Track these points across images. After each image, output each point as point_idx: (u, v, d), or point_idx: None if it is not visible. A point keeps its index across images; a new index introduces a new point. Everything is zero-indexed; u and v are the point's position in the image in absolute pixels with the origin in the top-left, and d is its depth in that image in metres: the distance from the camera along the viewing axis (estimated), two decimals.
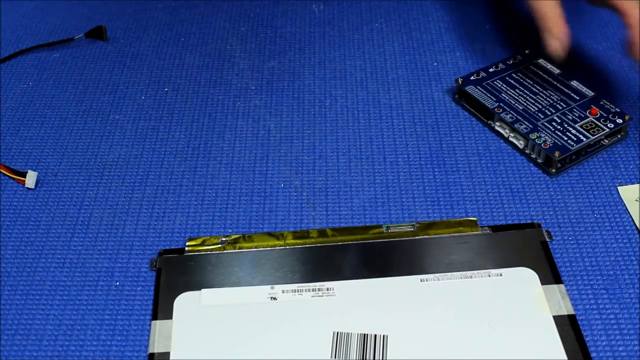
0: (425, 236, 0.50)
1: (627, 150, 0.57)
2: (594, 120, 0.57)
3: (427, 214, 0.52)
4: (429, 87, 0.63)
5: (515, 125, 0.56)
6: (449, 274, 0.47)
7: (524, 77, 0.61)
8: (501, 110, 0.58)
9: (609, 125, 0.56)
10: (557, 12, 0.54)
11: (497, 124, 0.58)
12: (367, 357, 0.43)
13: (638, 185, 0.54)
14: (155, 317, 0.46)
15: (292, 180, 0.55)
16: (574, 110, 0.58)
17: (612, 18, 0.70)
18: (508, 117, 0.57)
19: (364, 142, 0.58)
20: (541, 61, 0.62)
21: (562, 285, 0.47)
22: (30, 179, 0.54)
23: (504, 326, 0.44)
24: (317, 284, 0.47)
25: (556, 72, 0.61)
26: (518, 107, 0.58)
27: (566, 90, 0.59)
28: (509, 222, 0.51)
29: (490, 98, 0.59)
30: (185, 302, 0.46)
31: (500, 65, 0.62)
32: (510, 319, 0.45)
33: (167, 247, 0.51)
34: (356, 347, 0.44)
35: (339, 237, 0.50)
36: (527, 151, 0.56)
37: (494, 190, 0.54)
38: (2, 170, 0.55)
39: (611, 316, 0.46)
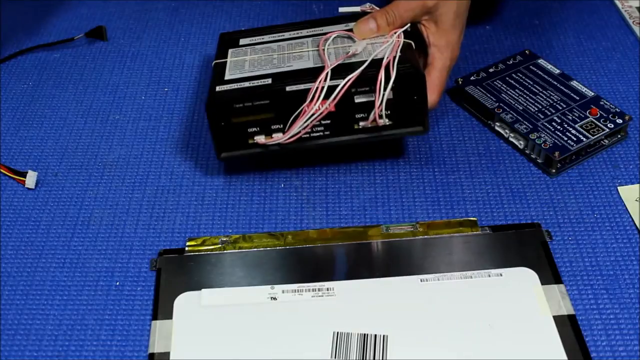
0: (425, 236, 0.50)
1: (627, 150, 0.57)
2: (594, 120, 0.57)
3: (427, 214, 0.52)
4: None
5: (515, 125, 0.56)
6: (449, 274, 0.47)
7: (524, 77, 0.61)
8: (501, 110, 0.58)
9: (609, 125, 0.56)
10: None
11: (497, 124, 0.58)
12: (367, 357, 0.43)
13: (638, 185, 0.54)
14: (155, 317, 0.46)
15: (292, 180, 0.55)
16: (574, 110, 0.58)
17: (611, 18, 0.70)
18: (508, 117, 0.57)
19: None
20: (541, 61, 0.62)
21: (562, 285, 0.47)
22: (30, 179, 0.54)
23: (504, 326, 0.44)
24: (317, 284, 0.47)
25: (556, 72, 0.61)
26: (518, 107, 0.58)
27: (566, 90, 0.59)
28: (509, 222, 0.51)
29: (490, 98, 0.59)
30: (185, 302, 0.46)
31: (500, 65, 0.62)
32: (510, 319, 0.45)
33: (167, 247, 0.51)
34: (356, 347, 0.44)
35: (339, 238, 0.50)
36: (527, 151, 0.56)
37: (494, 190, 0.54)
38: (2, 170, 0.55)
39: (611, 316, 0.46)
